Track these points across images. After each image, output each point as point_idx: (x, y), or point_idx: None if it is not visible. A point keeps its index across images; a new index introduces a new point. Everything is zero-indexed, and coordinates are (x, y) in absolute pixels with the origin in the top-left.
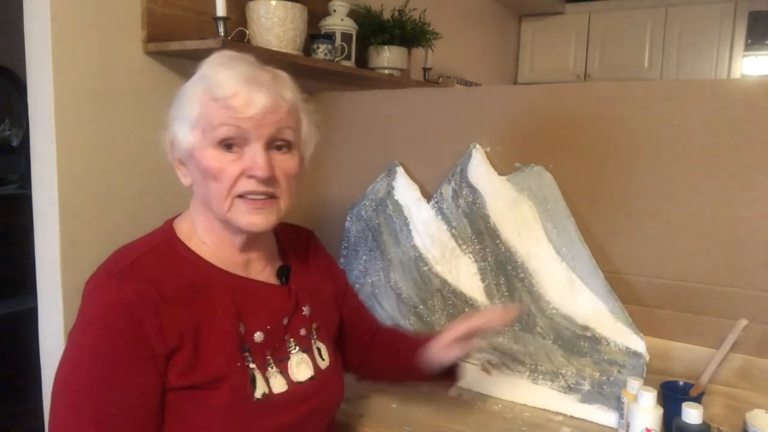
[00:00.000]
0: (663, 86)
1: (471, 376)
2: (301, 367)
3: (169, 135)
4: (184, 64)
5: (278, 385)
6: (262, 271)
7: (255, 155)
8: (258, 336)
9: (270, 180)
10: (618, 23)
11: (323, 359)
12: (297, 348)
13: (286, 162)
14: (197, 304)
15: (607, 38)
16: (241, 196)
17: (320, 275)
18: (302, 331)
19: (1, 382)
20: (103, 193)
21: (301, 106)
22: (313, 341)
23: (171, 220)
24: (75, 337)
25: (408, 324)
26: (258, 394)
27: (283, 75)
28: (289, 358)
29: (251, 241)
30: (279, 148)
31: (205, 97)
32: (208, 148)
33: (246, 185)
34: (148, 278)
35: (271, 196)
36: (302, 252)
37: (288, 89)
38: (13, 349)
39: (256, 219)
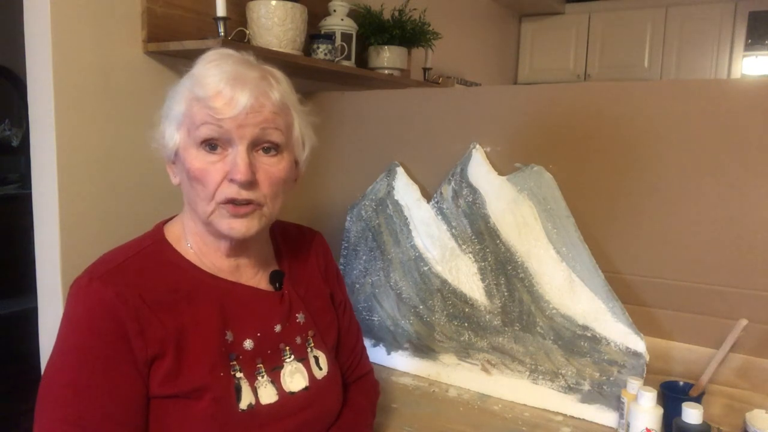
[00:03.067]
0: (663, 86)
1: (471, 376)
2: (295, 377)
3: (158, 134)
4: (184, 64)
5: (267, 395)
6: (253, 276)
7: (236, 157)
8: (248, 344)
9: (251, 184)
10: (618, 23)
11: (321, 369)
12: (292, 357)
13: (273, 166)
14: (181, 311)
15: (607, 38)
16: (223, 203)
17: (321, 280)
18: (297, 339)
19: (1, 382)
20: (103, 193)
21: (294, 107)
22: (309, 350)
23: (162, 223)
24: (57, 340)
25: (408, 324)
26: (243, 404)
27: (276, 74)
28: (282, 367)
29: (238, 247)
30: (266, 150)
31: (189, 96)
32: (192, 148)
33: (228, 190)
34: (131, 282)
35: (254, 203)
36: (302, 255)
37: (276, 89)
38: (13, 349)
39: (237, 224)
